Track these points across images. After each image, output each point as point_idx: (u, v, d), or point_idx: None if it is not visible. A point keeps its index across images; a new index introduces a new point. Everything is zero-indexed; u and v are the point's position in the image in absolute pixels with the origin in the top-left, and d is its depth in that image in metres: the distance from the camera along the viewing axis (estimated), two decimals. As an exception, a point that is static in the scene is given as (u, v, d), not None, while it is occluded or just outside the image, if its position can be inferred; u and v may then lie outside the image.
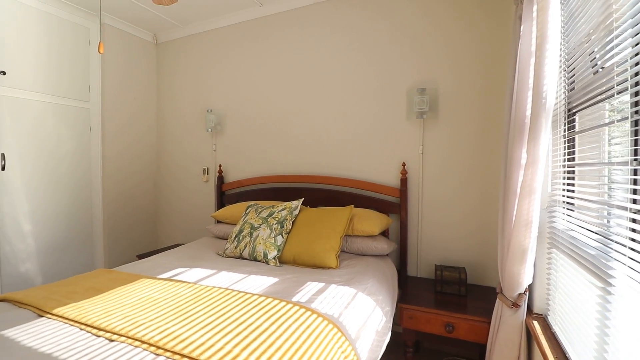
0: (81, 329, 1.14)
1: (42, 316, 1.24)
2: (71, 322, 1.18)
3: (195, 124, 3.14)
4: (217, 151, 3.02)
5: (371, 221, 2.01)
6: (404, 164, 2.22)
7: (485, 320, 1.64)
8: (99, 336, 1.10)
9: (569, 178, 1.32)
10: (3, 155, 2.30)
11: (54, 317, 1.22)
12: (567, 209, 1.26)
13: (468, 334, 1.67)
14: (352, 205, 2.09)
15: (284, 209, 2.09)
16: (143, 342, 1.05)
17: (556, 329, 1.28)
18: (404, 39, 2.25)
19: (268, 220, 2.04)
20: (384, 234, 2.23)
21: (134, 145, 3.16)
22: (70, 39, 2.68)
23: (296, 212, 2.07)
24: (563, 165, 1.34)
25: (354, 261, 1.93)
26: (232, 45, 2.92)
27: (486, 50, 2.03)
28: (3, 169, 2.30)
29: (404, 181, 2.20)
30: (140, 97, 3.21)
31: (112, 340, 1.07)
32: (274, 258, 1.89)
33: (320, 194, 2.46)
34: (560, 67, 1.34)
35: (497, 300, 1.55)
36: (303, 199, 2.21)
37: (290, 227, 2.01)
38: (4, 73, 2.29)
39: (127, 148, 3.09)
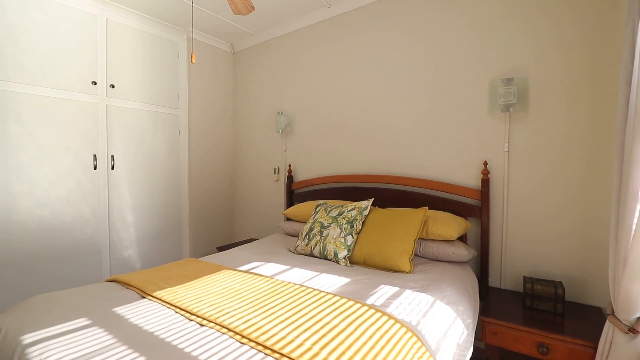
0: (176, 312, 1.26)
1: (144, 297, 1.40)
2: (168, 305, 1.31)
3: (267, 125, 3.30)
4: (287, 151, 3.13)
5: (448, 224, 1.87)
6: (485, 163, 2.03)
7: (590, 344, 1.41)
8: (190, 320, 1.20)
9: None
10: (113, 156, 2.69)
11: (154, 299, 1.37)
12: None
13: (567, 358, 1.46)
14: (427, 207, 1.98)
15: (353, 209, 2.07)
16: (229, 330, 1.12)
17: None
18: (484, 24, 2.06)
19: (338, 219, 2.04)
20: (462, 239, 2.07)
21: (214, 147, 3.44)
22: (162, 53, 3.03)
23: (366, 212, 2.03)
24: None
25: (429, 266, 1.82)
26: (302, 48, 3.00)
27: (594, 30, 1.74)
28: (113, 168, 2.69)
29: (485, 182, 2.01)
30: (219, 103, 3.49)
31: (202, 325, 1.16)
32: (344, 258, 1.88)
33: (390, 194, 2.38)
34: None
35: (607, 322, 1.32)
36: (373, 199, 2.16)
37: (360, 227, 1.98)
38: (113, 86, 2.68)
39: (209, 150, 3.38)
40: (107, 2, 2.59)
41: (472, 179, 2.12)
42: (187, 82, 3.17)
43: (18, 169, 2.21)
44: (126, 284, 1.54)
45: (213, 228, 3.44)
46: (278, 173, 3.21)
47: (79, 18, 2.47)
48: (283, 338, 1.05)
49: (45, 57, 2.31)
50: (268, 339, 1.04)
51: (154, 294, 1.40)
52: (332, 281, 1.60)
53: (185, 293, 1.40)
